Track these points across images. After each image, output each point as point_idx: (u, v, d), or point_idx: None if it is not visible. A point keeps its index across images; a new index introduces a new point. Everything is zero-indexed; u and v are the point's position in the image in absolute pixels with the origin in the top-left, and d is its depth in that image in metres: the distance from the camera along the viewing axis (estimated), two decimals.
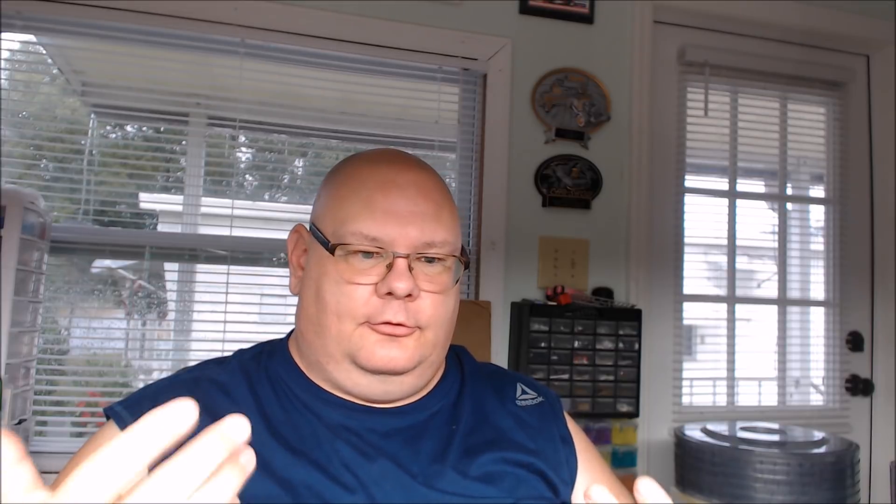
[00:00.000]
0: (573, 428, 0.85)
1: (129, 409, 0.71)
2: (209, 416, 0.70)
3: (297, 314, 0.78)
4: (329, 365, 0.73)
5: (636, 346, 1.92)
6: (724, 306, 2.31)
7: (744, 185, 2.39)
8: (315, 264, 0.74)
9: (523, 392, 0.85)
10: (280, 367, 0.77)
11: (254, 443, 0.71)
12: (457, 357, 0.87)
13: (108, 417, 0.73)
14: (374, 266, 0.71)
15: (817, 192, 2.50)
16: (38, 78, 1.95)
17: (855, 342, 2.37)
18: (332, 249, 0.71)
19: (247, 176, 2.20)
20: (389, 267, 0.70)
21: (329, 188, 0.77)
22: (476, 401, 0.80)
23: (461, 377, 0.83)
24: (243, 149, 2.16)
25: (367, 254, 0.71)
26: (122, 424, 0.70)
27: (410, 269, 0.70)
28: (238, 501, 0.33)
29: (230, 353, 0.81)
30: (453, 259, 0.75)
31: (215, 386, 0.74)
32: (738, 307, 2.32)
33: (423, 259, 0.72)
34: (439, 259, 0.73)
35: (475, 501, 0.70)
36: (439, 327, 0.74)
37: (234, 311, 1.88)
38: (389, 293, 0.69)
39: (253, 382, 0.75)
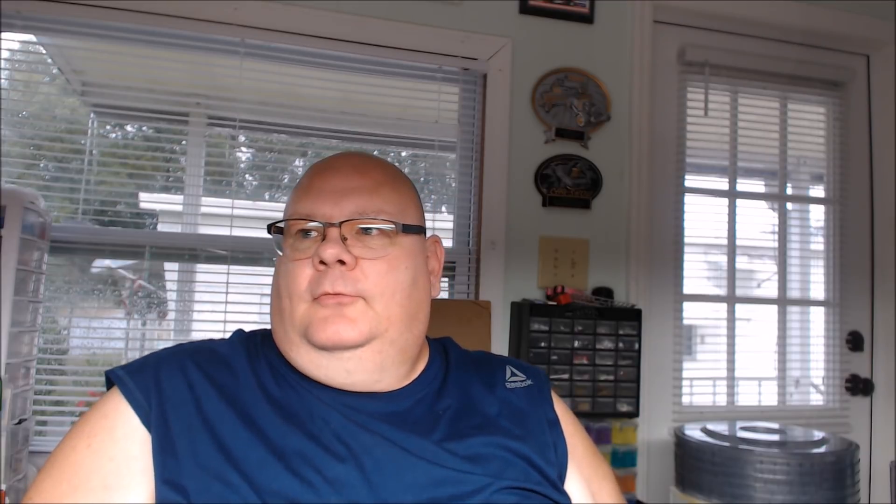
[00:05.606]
0: (560, 410, 0.86)
1: (130, 375, 0.72)
2: (210, 382, 0.72)
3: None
4: (292, 351, 0.74)
5: (636, 345, 1.92)
6: (724, 306, 2.31)
7: (744, 184, 2.39)
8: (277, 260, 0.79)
9: (512, 374, 0.86)
10: (271, 351, 0.79)
11: (253, 410, 0.72)
12: (442, 347, 0.88)
13: (108, 383, 0.73)
14: (313, 243, 0.74)
15: (817, 192, 2.50)
16: (38, 78, 1.96)
17: (855, 342, 2.38)
18: (270, 230, 0.77)
19: (247, 176, 2.20)
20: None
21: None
22: (461, 387, 0.81)
23: (445, 365, 0.84)
24: (243, 149, 2.16)
25: (306, 232, 0.74)
26: (124, 388, 0.71)
27: (345, 239, 0.73)
28: None
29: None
30: (406, 235, 0.76)
31: (216, 356, 0.76)
32: (738, 307, 2.32)
33: (360, 231, 0.74)
34: (382, 232, 0.74)
35: (465, 476, 0.71)
36: (389, 298, 0.74)
37: (234, 311, 1.88)
38: (322, 262, 0.71)
39: (251, 358, 0.77)
